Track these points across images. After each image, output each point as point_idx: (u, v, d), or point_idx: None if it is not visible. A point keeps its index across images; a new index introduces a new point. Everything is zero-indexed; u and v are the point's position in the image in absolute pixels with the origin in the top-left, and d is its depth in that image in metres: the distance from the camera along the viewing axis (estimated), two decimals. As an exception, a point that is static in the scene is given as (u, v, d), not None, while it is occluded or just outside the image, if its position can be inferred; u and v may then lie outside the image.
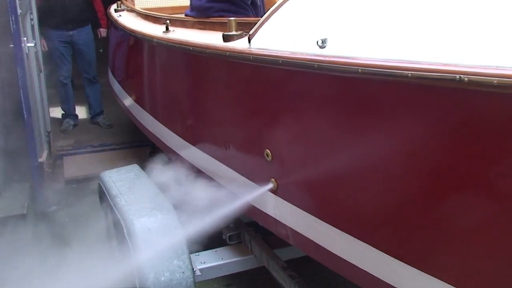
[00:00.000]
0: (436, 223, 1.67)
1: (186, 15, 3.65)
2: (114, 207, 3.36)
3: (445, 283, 1.69)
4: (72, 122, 6.92)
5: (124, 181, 3.62)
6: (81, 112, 7.60)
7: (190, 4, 3.59)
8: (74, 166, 5.82)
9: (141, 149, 5.84)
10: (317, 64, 1.86)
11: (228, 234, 3.35)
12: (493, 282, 1.58)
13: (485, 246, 1.56)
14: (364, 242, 1.97)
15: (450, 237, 1.66)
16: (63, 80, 6.67)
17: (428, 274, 1.74)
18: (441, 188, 1.63)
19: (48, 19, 6.42)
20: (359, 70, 1.68)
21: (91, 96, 6.97)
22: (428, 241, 1.73)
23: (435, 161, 1.61)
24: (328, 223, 2.14)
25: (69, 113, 6.95)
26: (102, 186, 3.74)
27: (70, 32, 6.55)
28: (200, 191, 3.01)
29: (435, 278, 1.72)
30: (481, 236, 1.56)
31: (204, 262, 3.21)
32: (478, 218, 1.55)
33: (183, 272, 2.89)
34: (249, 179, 2.64)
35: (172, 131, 3.58)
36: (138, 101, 4.44)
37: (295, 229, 2.39)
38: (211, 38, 2.72)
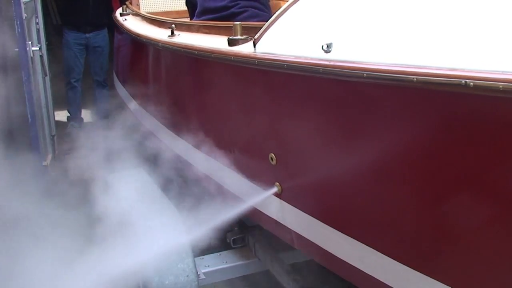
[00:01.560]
0: (442, 228, 1.67)
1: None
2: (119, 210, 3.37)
3: (450, 288, 1.69)
4: (77, 125, 6.94)
5: (129, 184, 3.63)
6: (86, 115, 7.61)
7: (201, 9, 3.54)
8: (78, 170, 5.82)
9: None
10: (322, 69, 1.86)
11: (232, 238, 3.35)
12: (498, 286, 1.58)
13: (491, 251, 1.56)
14: (369, 246, 1.97)
15: (456, 242, 1.66)
16: (74, 82, 6.72)
17: (434, 278, 1.74)
18: (446, 193, 1.63)
19: (68, 20, 6.56)
20: (364, 74, 1.68)
21: (99, 99, 7.00)
22: (434, 246, 1.73)
23: (440, 166, 1.61)
24: (332, 227, 2.14)
25: (75, 116, 6.97)
26: (107, 189, 3.75)
27: (87, 35, 6.64)
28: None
29: (441, 283, 1.72)
30: (487, 241, 1.56)
31: (209, 266, 3.21)
32: (485, 223, 1.55)
33: (187, 276, 2.89)
34: (253, 183, 2.64)
35: (177, 135, 3.58)
36: (143, 105, 4.45)
37: (299, 233, 2.40)
38: (216, 42, 2.73)
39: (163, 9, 5.43)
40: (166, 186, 3.57)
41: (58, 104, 6.78)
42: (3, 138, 4.60)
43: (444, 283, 1.71)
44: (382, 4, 1.86)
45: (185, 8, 4.24)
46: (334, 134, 2.02)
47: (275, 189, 2.44)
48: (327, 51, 1.88)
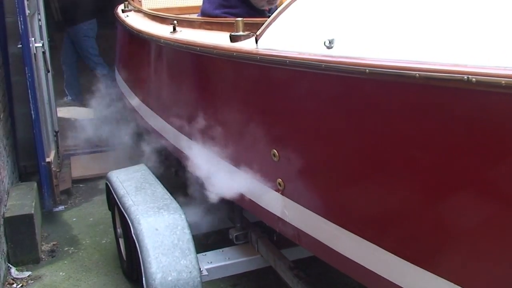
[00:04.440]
0: (443, 223, 1.67)
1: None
2: (121, 207, 3.38)
3: (452, 284, 1.69)
4: (70, 98, 7.54)
5: (131, 181, 3.64)
6: (88, 112, 7.62)
7: (201, 10, 3.64)
8: (81, 166, 5.83)
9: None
10: (325, 65, 1.86)
11: (235, 234, 3.36)
12: (500, 282, 1.58)
13: (492, 246, 1.56)
14: (372, 242, 1.97)
15: (457, 237, 1.66)
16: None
17: (436, 274, 1.74)
18: (448, 189, 1.62)
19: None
20: (367, 70, 1.68)
21: None
22: (436, 242, 1.73)
23: (442, 162, 1.61)
24: (335, 223, 2.14)
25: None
26: (110, 186, 3.76)
27: (69, 29, 7.44)
28: None
29: (443, 279, 1.71)
30: (488, 236, 1.56)
31: (211, 262, 3.22)
32: (486, 218, 1.55)
33: (190, 272, 2.90)
34: (256, 179, 2.64)
35: (179, 131, 3.58)
36: (145, 101, 4.45)
37: (302, 229, 2.40)
38: (218, 39, 2.73)
39: (165, 5, 5.42)
40: (169, 182, 3.58)
41: (61, 100, 6.82)
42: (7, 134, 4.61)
43: (447, 280, 1.71)
44: (384, 0, 1.86)
45: (187, 4, 4.24)
46: (336, 130, 2.01)
47: (277, 186, 2.44)
48: (329, 47, 1.88)
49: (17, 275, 3.89)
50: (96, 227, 4.62)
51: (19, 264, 4.00)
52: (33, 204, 4.18)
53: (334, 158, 2.08)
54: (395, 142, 1.75)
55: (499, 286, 1.59)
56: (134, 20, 4.71)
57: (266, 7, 3.40)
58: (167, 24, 3.73)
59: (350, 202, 2.07)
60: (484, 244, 1.58)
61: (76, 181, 5.54)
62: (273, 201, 2.54)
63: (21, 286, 3.78)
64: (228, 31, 2.62)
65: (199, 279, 2.91)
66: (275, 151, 2.38)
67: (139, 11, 4.95)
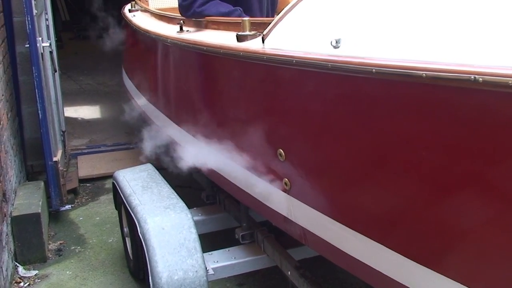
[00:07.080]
0: (450, 223, 1.67)
1: None
2: (128, 206, 3.39)
3: (459, 284, 1.69)
4: None
5: (138, 180, 3.65)
6: (94, 112, 7.66)
7: None
8: (88, 165, 5.85)
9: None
10: (331, 64, 1.86)
11: (241, 234, 3.36)
12: (506, 282, 1.57)
13: (499, 246, 1.56)
14: (378, 242, 1.97)
15: (464, 237, 1.66)
16: None
17: (441, 274, 1.74)
18: (455, 189, 1.62)
19: None
20: (373, 70, 1.68)
21: None
22: (442, 242, 1.72)
23: (449, 162, 1.60)
24: (341, 223, 2.14)
25: None
26: (116, 186, 3.77)
27: None
28: None
29: (448, 278, 1.71)
30: (495, 236, 1.56)
31: (217, 261, 3.23)
32: (492, 218, 1.54)
33: (196, 271, 2.90)
34: (262, 179, 2.64)
35: (186, 131, 3.59)
36: (152, 101, 4.46)
37: (308, 228, 2.40)
38: (225, 38, 2.73)
39: (172, 5, 5.43)
40: (177, 182, 3.58)
41: (67, 100, 6.83)
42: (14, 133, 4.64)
43: (453, 280, 1.71)
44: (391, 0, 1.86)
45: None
46: (342, 130, 2.01)
47: (283, 185, 2.44)
48: (335, 47, 1.88)
49: (24, 273, 3.90)
50: (103, 226, 4.63)
51: (26, 263, 4.02)
52: (40, 203, 4.20)
53: (340, 158, 2.08)
54: (401, 142, 1.75)
55: (506, 287, 1.59)
56: (141, 20, 4.72)
57: None
58: (174, 23, 3.74)
59: (356, 201, 2.07)
60: (491, 244, 1.57)
61: (83, 181, 5.56)
62: (279, 201, 2.54)
63: (28, 284, 3.80)
64: (235, 31, 2.62)
65: (205, 278, 2.92)
66: (281, 150, 2.38)
67: (146, 10, 4.96)
